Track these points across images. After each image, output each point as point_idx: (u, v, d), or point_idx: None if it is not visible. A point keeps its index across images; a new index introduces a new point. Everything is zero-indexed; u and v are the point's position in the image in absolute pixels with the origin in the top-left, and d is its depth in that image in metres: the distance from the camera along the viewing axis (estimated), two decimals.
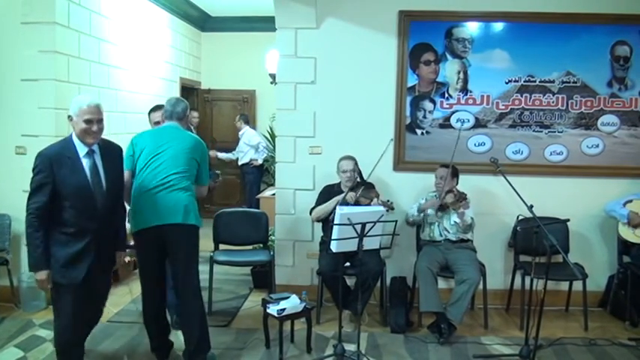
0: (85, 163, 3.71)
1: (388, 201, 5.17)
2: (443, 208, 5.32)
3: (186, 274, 4.24)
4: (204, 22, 9.88)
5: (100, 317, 4.26)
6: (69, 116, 3.68)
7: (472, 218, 5.23)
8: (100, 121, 3.73)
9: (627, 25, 5.57)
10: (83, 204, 3.68)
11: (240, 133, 9.41)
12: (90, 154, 3.74)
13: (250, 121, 9.77)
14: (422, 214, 5.40)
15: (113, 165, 3.90)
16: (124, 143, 4.40)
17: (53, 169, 3.58)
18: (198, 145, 4.40)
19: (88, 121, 3.65)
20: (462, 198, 5.12)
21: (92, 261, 3.76)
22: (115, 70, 6.55)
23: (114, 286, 6.10)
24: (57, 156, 3.64)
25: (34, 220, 3.57)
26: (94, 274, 3.80)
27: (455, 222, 5.25)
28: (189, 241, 4.25)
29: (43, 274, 3.63)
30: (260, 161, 9.31)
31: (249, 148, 9.28)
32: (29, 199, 3.59)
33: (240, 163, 9.41)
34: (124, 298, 5.79)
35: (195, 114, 9.35)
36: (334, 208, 5.07)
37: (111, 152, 3.91)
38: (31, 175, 5.15)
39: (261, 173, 9.53)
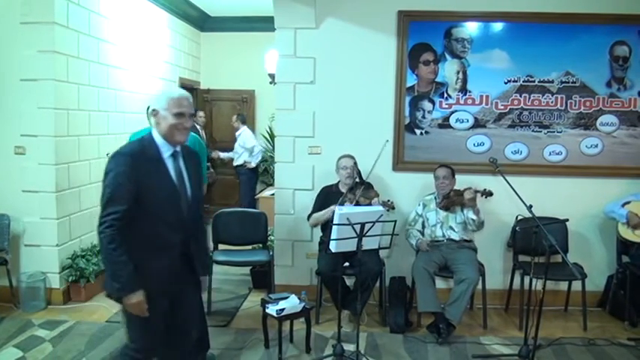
0: (170, 165, 3.14)
1: (389, 201, 5.18)
2: (447, 207, 5.33)
3: None
4: (203, 22, 9.87)
5: (189, 344, 3.48)
6: (153, 110, 3.13)
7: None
8: (192, 115, 3.24)
9: (626, 25, 5.57)
10: (169, 213, 3.10)
11: (237, 133, 9.31)
12: (175, 155, 3.17)
13: (249, 121, 9.75)
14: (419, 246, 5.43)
15: (195, 170, 3.34)
16: (122, 143, 4.39)
17: (135, 172, 2.96)
18: (195, 144, 4.42)
19: (179, 115, 3.10)
20: (488, 194, 5.15)
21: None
22: (114, 70, 6.55)
23: None
24: (139, 157, 3.02)
25: (116, 234, 2.91)
26: (180, 296, 3.29)
27: (472, 219, 5.24)
28: None
29: (138, 296, 2.97)
30: (253, 164, 9.19)
31: (243, 150, 9.17)
32: (104, 209, 2.93)
33: (234, 163, 9.32)
34: None
35: (201, 114, 9.35)
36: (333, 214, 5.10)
37: (191, 155, 3.35)
38: (32, 175, 5.17)
39: (256, 176, 9.44)
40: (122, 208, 2.91)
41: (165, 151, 3.13)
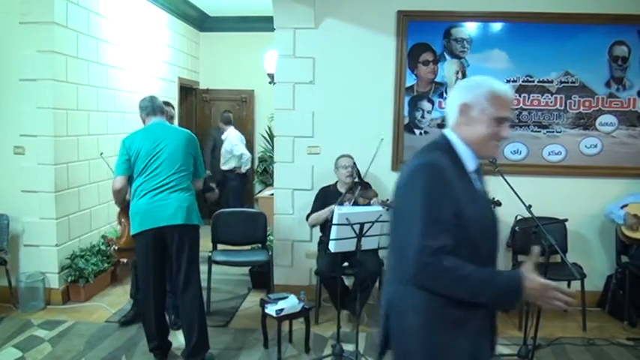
0: (477, 184, 2.28)
1: (387, 200, 5.19)
2: None
3: (189, 274, 4.27)
4: (202, 22, 9.87)
5: None
6: (464, 104, 2.24)
7: None
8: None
9: (625, 25, 5.58)
10: (483, 250, 2.21)
11: (222, 136, 8.87)
12: (478, 171, 2.32)
13: (249, 122, 9.69)
14: None
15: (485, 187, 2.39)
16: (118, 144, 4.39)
17: (453, 192, 2.09)
18: (191, 140, 4.42)
19: (502, 120, 2.22)
20: (496, 204, 5.14)
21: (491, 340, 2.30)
22: (114, 70, 6.54)
23: (112, 286, 6.13)
24: (450, 170, 2.13)
25: (443, 264, 2.03)
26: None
27: None
28: (192, 242, 4.28)
29: (531, 279, 2.11)
30: (243, 170, 8.81)
31: (230, 155, 8.72)
32: (425, 239, 2.02)
33: (222, 167, 8.82)
34: (122, 298, 5.78)
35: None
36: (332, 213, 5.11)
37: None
38: (31, 175, 5.15)
39: (245, 183, 9.17)
40: (447, 244, 2.04)
41: (470, 164, 2.26)
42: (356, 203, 5.15)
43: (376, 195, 5.25)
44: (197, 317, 4.30)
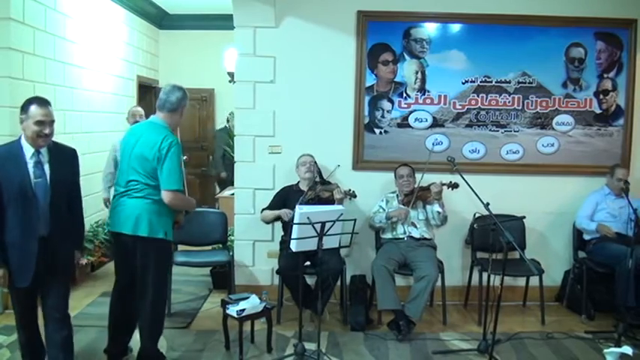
0: None
1: (350, 190, 5.22)
2: (414, 203, 5.37)
3: (141, 287, 4.08)
4: (161, 19, 9.75)
5: None
6: None
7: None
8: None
9: (582, 27, 5.70)
10: None
11: None
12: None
13: (209, 120, 9.58)
14: (389, 221, 5.44)
15: None
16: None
17: None
18: (162, 145, 3.90)
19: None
20: (454, 185, 5.20)
21: None
22: (71, 67, 6.42)
23: (71, 289, 6.00)
24: None
25: None
26: None
27: (438, 212, 5.30)
28: (142, 254, 4.01)
29: None
30: None
31: None
32: None
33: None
34: (82, 302, 5.69)
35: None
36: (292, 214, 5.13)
37: None
38: None
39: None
40: None
41: None
42: (319, 197, 5.17)
43: (337, 186, 5.27)
44: (145, 330, 4.16)
